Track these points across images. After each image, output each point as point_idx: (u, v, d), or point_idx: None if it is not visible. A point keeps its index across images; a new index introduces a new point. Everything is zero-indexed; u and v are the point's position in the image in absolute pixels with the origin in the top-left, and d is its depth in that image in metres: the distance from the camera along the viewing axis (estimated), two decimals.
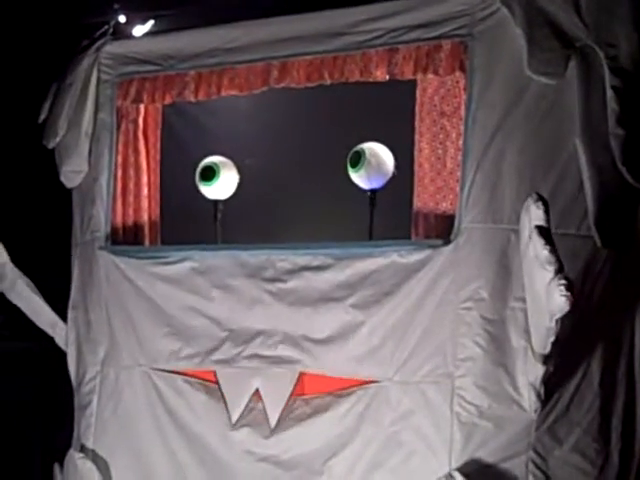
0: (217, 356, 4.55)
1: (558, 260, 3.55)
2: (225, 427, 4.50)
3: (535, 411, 3.97)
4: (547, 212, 3.62)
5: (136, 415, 4.75)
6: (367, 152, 4.55)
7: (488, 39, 4.15)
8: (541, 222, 3.60)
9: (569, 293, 3.53)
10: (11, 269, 5.00)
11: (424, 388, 4.13)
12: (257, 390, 4.45)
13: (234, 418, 4.48)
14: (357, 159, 4.57)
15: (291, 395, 4.40)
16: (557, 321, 3.63)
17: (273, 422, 4.40)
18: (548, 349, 3.76)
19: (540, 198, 3.64)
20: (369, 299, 4.28)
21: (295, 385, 4.39)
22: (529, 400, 3.96)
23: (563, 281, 3.52)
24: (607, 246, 4.06)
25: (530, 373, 3.93)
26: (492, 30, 4.15)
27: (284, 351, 4.42)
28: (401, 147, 4.61)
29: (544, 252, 3.56)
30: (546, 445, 4.03)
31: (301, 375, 4.40)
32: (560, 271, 3.53)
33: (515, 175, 4.09)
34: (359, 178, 4.63)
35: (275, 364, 4.43)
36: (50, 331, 5.05)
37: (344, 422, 4.28)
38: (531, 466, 4.01)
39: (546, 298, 3.57)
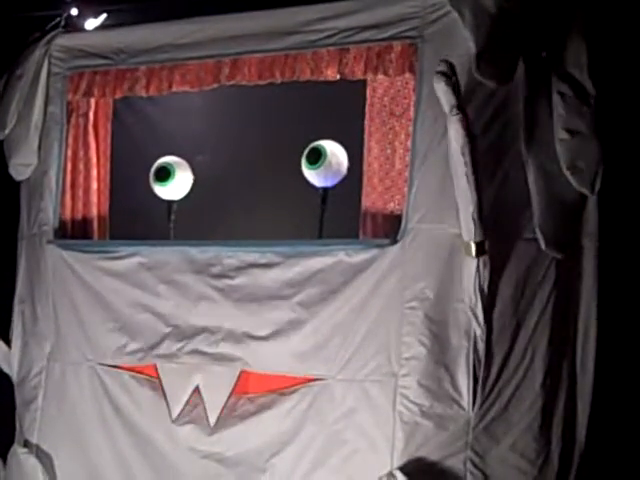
0: (159, 351, 4.55)
1: (456, 97, 3.71)
2: (169, 423, 4.50)
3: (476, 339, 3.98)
4: (451, 70, 3.80)
5: (82, 410, 4.73)
6: (328, 151, 4.55)
7: (438, 41, 4.17)
8: (443, 68, 3.75)
9: (460, 114, 3.71)
10: None
11: (367, 387, 4.15)
12: (197, 387, 4.45)
13: (174, 414, 4.48)
14: (317, 157, 4.56)
15: (231, 393, 4.40)
16: (467, 172, 3.78)
17: (212, 420, 4.40)
18: (472, 231, 3.83)
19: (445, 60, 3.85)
20: (315, 297, 4.29)
21: (236, 383, 4.40)
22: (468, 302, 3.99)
23: (455, 108, 3.72)
24: (551, 248, 4.11)
25: (465, 277, 3.96)
26: (442, 33, 4.17)
27: (225, 349, 4.42)
28: (351, 146, 4.62)
29: (440, 86, 3.73)
30: (483, 444, 4.06)
31: (242, 373, 4.40)
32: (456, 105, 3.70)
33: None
34: (315, 176, 4.61)
35: (216, 361, 4.43)
36: None
37: (288, 420, 4.29)
38: (469, 465, 4.05)
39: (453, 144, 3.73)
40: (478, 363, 4.02)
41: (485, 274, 3.95)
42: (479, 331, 4.00)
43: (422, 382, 4.07)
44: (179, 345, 4.50)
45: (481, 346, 4.01)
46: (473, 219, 3.84)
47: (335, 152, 4.58)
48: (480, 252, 3.91)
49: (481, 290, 3.96)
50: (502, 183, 4.10)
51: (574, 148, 4.10)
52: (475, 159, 3.84)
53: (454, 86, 3.79)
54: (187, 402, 4.47)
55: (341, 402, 4.20)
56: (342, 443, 4.18)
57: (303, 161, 4.61)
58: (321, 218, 4.67)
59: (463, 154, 3.81)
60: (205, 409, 4.42)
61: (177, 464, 4.50)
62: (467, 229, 3.88)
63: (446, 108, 3.82)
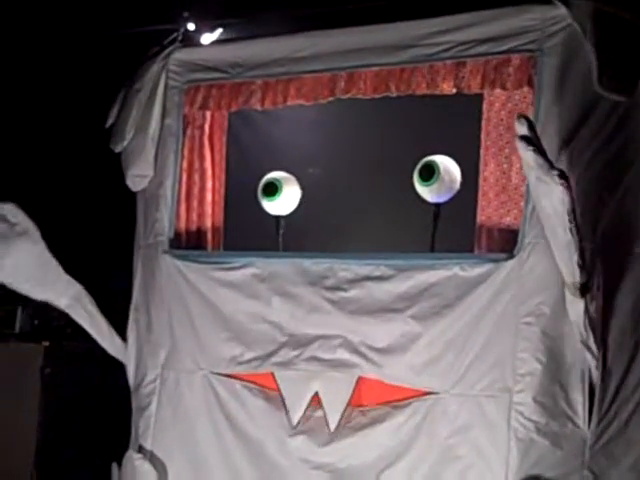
0: (276, 359, 4.56)
1: (546, 159, 3.60)
2: (282, 434, 4.51)
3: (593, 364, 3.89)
4: (530, 128, 3.69)
5: (195, 419, 4.77)
6: (441, 168, 4.51)
7: (558, 55, 4.15)
8: (524, 133, 3.64)
9: (563, 180, 3.60)
10: (72, 284, 4.95)
11: (482, 402, 4.13)
12: (316, 394, 4.46)
13: (294, 420, 4.48)
14: (430, 173, 4.53)
15: (350, 399, 4.39)
16: (571, 228, 3.67)
17: (333, 426, 4.40)
18: (577, 274, 3.75)
19: (522, 116, 3.73)
20: (429, 311, 4.29)
21: (354, 389, 4.39)
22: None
23: (555, 171, 3.62)
24: None
25: (572, 313, 3.89)
26: (562, 46, 4.15)
27: (343, 355, 4.41)
28: (465, 160, 4.60)
29: (529, 154, 3.60)
30: (601, 464, 3.99)
31: (360, 380, 4.39)
32: (551, 167, 3.63)
33: (580, 191, 4.06)
34: (428, 192, 4.58)
35: (334, 368, 4.43)
36: (110, 348, 5.04)
37: (400, 433, 4.28)
38: None
39: (551, 204, 3.65)
40: (594, 381, 3.95)
41: (593, 308, 3.87)
42: (593, 363, 3.93)
43: (537, 399, 4.03)
44: (296, 352, 4.51)
45: (596, 364, 3.95)
46: (578, 264, 3.76)
47: (448, 168, 4.55)
48: (585, 291, 3.83)
49: (592, 325, 3.89)
50: (623, 197, 4.04)
51: None
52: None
53: (540, 148, 3.69)
54: (307, 409, 4.47)
55: (455, 417, 4.18)
56: (455, 458, 4.16)
57: (415, 177, 4.58)
58: (433, 233, 4.64)
59: (569, 218, 3.72)
60: (325, 415, 4.41)
61: (289, 475, 4.51)
62: (570, 272, 3.80)
63: (543, 173, 3.70)
